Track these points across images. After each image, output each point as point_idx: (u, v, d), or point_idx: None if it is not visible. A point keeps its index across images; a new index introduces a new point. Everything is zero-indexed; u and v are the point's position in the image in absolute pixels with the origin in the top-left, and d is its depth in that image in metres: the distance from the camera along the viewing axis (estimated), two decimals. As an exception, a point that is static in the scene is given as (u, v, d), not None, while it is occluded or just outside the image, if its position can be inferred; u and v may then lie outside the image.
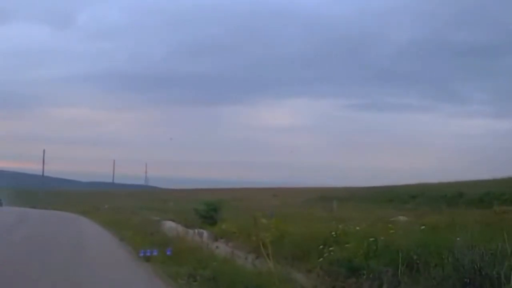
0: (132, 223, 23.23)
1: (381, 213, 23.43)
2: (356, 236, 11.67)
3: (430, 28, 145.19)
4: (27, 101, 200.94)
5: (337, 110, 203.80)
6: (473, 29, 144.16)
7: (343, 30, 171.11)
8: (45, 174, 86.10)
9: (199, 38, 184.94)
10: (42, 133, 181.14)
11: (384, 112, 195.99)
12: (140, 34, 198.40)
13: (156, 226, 21.21)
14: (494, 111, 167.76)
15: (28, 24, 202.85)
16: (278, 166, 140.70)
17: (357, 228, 13.14)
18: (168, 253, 12.59)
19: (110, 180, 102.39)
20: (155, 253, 12.72)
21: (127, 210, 34.09)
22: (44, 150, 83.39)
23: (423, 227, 11.73)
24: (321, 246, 11.85)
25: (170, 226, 21.91)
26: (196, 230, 18.65)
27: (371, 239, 10.41)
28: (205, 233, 18.75)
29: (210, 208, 27.29)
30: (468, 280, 7.21)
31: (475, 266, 7.19)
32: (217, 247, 14.80)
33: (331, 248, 11.29)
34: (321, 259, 10.87)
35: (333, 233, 12.73)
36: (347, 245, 11.06)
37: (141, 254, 13.02)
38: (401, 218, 18.17)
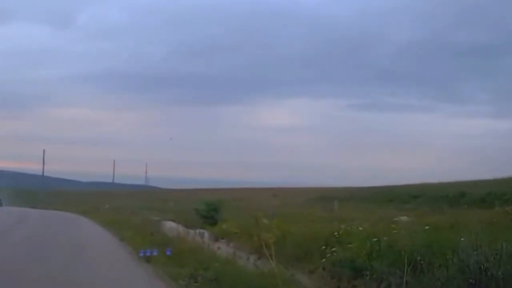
0: (132, 223, 23.17)
1: (382, 213, 23.34)
2: (359, 236, 11.57)
3: (430, 28, 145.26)
4: (27, 101, 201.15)
5: (337, 110, 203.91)
6: (473, 29, 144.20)
7: (343, 30, 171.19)
8: (45, 174, 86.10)
9: (199, 38, 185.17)
10: (42, 133, 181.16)
11: (384, 112, 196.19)
12: (140, 34, 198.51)
13: (157, 226, 21.14)
14: (495, 111, 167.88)
15: (28, 24, 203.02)
16: (278, 166, 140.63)
17: (360, 228, 13.03)
18: (168, 253, 12.52)
19: (110, 180, 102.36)
20: (155, 253, 12.65)
21: (127, 210, 34.04)
22: (44, 150, 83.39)
23: (427, 227, 11.61)
24: (323, 247, 11.76)
25: (170, 226, 21.84)
26: (197, 231, 18.56)
27: (374, 239, 10.31)
28: (206, 234, 18.66)
29: (210, 208, 27.21)
30: (473, 281, 7.11)
31: (481, 267, 7.10)
32: (218, 247, 14.71)
33: (333, 249, 11.20)
34: (323, 259, 10.79)
35: (335, 233, 12.63)
36: (349, 245, 10.96)
37: (141, 254, 12.97)
38: (403, 218, 18.07)
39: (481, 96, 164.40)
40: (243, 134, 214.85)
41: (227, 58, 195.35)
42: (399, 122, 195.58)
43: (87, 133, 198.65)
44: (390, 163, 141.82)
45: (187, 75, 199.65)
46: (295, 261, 11.80)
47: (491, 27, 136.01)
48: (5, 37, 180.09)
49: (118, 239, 18.76)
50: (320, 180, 75.60)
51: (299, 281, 9.26)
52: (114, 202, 49.93)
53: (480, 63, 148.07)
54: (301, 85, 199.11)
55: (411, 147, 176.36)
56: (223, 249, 14.66)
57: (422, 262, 8.48)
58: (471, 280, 7.12)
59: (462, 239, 8.28)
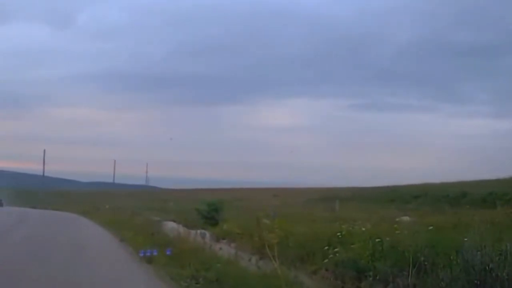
0: (132, 224, 23.10)
1: (383, 213, 23.28)
2: (361, 236, 11.49)
3: (430, 28, 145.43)
4: (27, 101, 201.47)
5: (337, 110, 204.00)
6: (473, 29, 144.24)
7: (343, 30, 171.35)
8: (45, 174, 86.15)
9: (199, 38, 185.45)
10: (42, 133, 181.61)
11: (384, 112, 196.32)
12: (140, 34, 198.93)
13: (157, 226, 21.04)
14: (495, 111, 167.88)
15: (28, 24, 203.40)
16: (278, 166, 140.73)
17: (363, 229, 12.95)
18: (168, 253, 12.45)
19: (110, 180, 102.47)
20: (155, 253, 12.59)
21: (127, 210, 33.92)
22: (44, 150, 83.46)
23: (431, 227, 11.52)
24: (325, 247, 11.69)
25: (171, 226, 21.74)
26: (198, 231, 18.49)
27: (377, 239, 10.24)
28: (207, 234, 18.58)
29: (211, 209, 27.14)
30: (478, 282, 7.04)
31: (486, 267, 7.03)
32: (220, 248, 14.63)
33: (336, 249, 11.13)
34: (326, 260, 10.72)
35: (338, 233, 12.55)
36: (352, 246, 10.89)
37: (141, 255, 12.92)
38: (405, 218, 17.98)
39: (481, 96, 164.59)
40: (243, 134, 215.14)
41: (227, 58, 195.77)
42: (399, 122, 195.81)
43: (87, 133, 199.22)
44: (391, 163, 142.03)
45: (187, 75, 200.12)
46: (297, 262, 11.72)
47: (491, 27, 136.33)
48: (5, 37, 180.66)
49: (118, 239, 18.70)
50: (321, 180, 75.67)
51: (302, 282, 9.18)
52: (115, 202, 49.87)
53: (480, 63, 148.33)
54: (301, 85, 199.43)
55: (412, 147, 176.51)
56: (225, 249, 14.58)
57: (425, 262, 8.41)
58: (476, 281, 7.06)
59: (465, 239, 8.21)
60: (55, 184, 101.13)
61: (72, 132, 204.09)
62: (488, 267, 7.01)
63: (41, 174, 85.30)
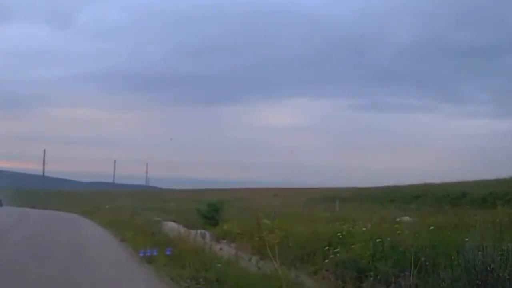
0: (133, 224, 23.05)
1: (384, 213, 23.22)
2: (362, 236, 11.47)
3: (430, 28, 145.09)
4: (27, 101, 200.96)
5: (337, 110, 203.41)
6: (473, 29, 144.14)
7: (343, 30, 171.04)
8: (45, 174, 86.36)
9: (199, 38, 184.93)
10: (42, 133, 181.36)
11: (384, 112, 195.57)
12: (140, 34, 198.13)
13: (157, 226, 21.00)
14: (495, 111, 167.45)
15: (28, 24, 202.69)
16: (279, 166, 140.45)
17: (364, 229, 12.93)
18: (167, 253, 12.43)
19: (110, 180, 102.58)
20: (155, 253, 12.57)
21: (127, 211, 33.87)
22: (44, 150, 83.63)
23: (432, 227, 11.50)
24: (326, 247, 11.67)
25: (171, 226, 21.70)
26: (198, 231, 18.45)
27: (378, 240, 10.22)
28: (208, 234, 18.55)
29: (211, 209, 27.09)
30: (479, 282, 7.01)
31: (487, 268, 7.00)
32: (220, 248, 14.61)
33: (336, 249, 11.10)
34: (326, 260, 10.69)
35: (339, 234, 12.53)
36: (352, 246, 10.87)
37: (141, 255, 12.89)
38: (405, 218, 17.98)
39: (481, 96, 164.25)
40: (243, 134, 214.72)
41: (227, 58, 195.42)
42: (399, 122, 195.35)
43: (87, 133, 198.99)
44: (391, 163, 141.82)
45: (187, 75, 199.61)
46: (297, 262, 11.70)
47: (491, 27, 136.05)
48: (5, 37, 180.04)
49: (118, 239, 18.68)
50: (321, 180, 75.66)
51: (303, 283, 9.14)
52: (115, 202, 49.80)
53: (480, 63, 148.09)
54: (301, 85, 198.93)
55: (412, 147, 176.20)
56: (225, 250, 14.55)
57: (427, 263, 8.39)
58: (477, 281, 7.02)
59: (466, 239, 8.19)
60: (55, 184, 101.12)
61: (72, 132, 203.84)
62: (490, 267, 6.98)
63: (41, 174, 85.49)
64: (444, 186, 37.90)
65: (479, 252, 7.27)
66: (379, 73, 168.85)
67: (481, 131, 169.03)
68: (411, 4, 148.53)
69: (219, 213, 26.90)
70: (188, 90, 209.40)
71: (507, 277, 6.85)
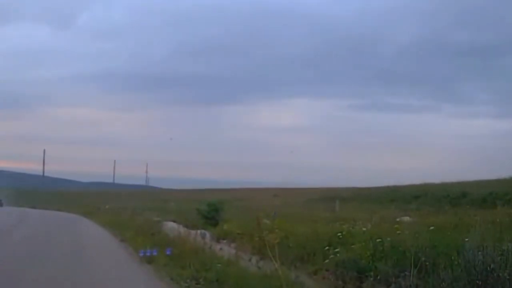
0: (133, 224, 23.03)
1: (384, 213, 23.21)
2: (362, 236, 11.46)
3: (431, 28, 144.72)
4: (27, 101, 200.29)
5: (337, 110, 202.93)
6: (474, 29, 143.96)
7: (343, 30, 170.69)
8: (45, 174, 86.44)
9: (199, 38, 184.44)
10: (42, 133, 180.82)
11: (384, 112, 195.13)
12: (140, 34, 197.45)
13: (157, 226, 21.00)
14: (496, 111, 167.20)
15: (28, 24, 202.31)
16: (279, 166, 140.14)
17: (364, 229, 12.92)
18: (168, 253, 12.42)
19: (110, 180, 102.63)
20: (155, 253, 12.56)
21: (127, 211, 33.87)
22: (44, 150, 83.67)
23: (432, 227, 11.49)
24: (326, 247, 11.66)
25: (171, 226, 21.68)
26: (198, 231, 18.43)
27: (378, 240, 10.21)
28: (208, 234, 18.54)
29: (211, 209, 27.06)
30: (479, 282, 7.01)
31: (487, 268, 6.99)
32: (220, 248, 14.60)
33: (336, 250, 11.10)
34: (326, 260, 10.69)
35: (339, 234, 12.52)
36: (353, 246, 10.86)
37: (141, 255, 12.89)
38: (405, 218, 17.98)
39: (482, 96, 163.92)
40: (243, 134, 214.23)
41: (227, 58, 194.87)
42: (399, 122, 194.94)
43: (87, 133, 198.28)
44: (391, 163, 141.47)
45: (187, 75, 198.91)
46: (297, 262, 11.69)
47: (491, 27, 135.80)
48: (5, 37, 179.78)
49: (118, 239, 18.67)
50: (321, 180, 75.54)
51: (303, 283, 9.14)
52: (115, 203, 49.79)
53: (480, 63, 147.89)
54: (301, 85, 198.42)
55: (412, 147, 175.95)
56: (225, 250, 14.54)
57: (427, 263, 8.38)
58: (477, 282, 7.02)
59: (466, 239, 8.19)
60: (55, 184, 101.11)
61: (72, 132, 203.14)
62: (490, 267, 6.97)
63: (41, 174, 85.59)
64: (444, 186, 37.89)
65: (479, 252, 7.27)
66: (379, 73, 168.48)
67: (481, 131, 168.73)
68: (411, 4, 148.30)
69: (219, 213, 26.86)
70: (188, 90, 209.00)
71: (507, 277, 6.84)
